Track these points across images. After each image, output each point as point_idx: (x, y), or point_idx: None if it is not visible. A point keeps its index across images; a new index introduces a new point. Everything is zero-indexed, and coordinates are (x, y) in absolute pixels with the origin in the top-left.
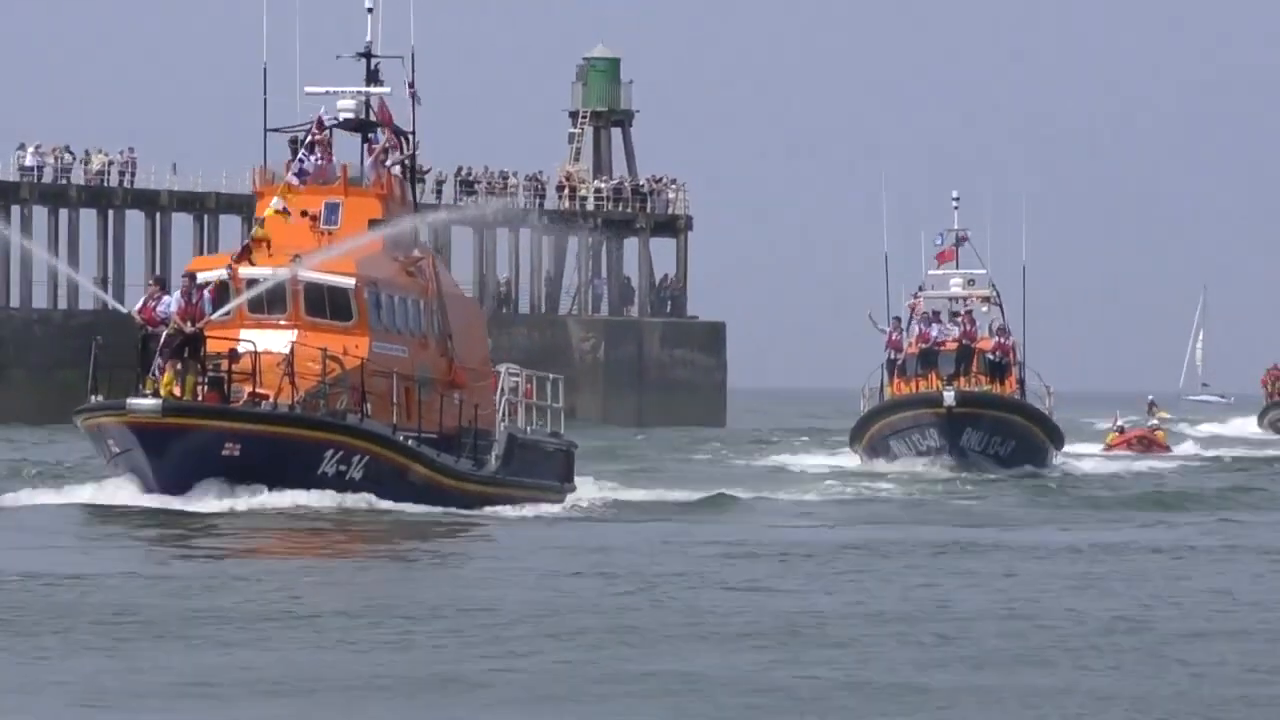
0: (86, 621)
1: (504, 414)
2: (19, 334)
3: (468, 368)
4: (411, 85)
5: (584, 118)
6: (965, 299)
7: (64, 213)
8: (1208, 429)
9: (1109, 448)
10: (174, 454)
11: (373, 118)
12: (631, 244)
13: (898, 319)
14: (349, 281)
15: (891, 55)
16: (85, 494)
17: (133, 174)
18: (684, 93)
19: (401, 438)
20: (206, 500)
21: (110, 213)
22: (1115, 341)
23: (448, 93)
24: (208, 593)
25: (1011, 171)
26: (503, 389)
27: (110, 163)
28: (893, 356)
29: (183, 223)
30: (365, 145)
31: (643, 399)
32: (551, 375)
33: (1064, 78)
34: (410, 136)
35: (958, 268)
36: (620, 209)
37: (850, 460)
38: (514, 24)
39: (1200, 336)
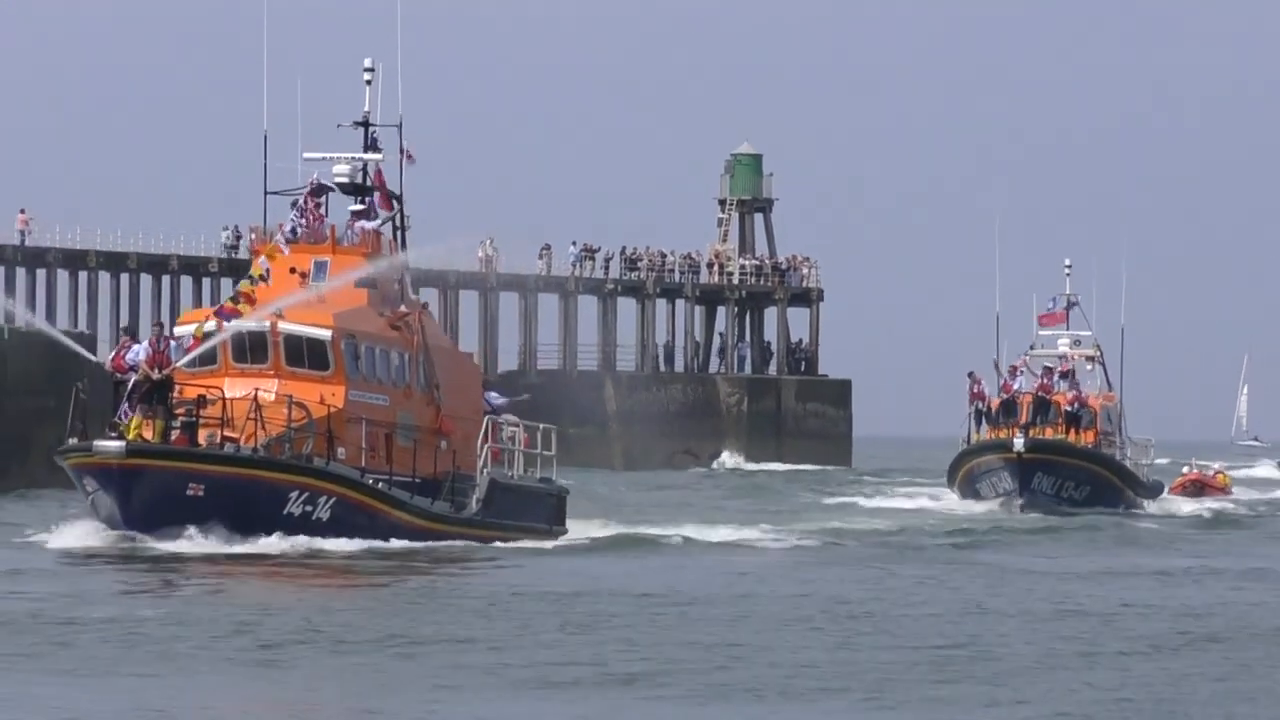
0: None
1: (485, 461)
2: None
3: (456, 417)
4: (403, 150)
5: (731, 205)
6: (1070, 357)
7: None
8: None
9: (1172, 491)
10: (139, 494)
11: (369, 182)
12: (771, 313)
13: (971, 373)
14: (326, 333)
15: (1004, 138)
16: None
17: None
18: (817, 183)
19: (371, 480)
20: (180, 539)
21: None
22: (1174, 394)
23: (617, 183)
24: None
25: (1116, 236)
26: (485, 436)
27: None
28: (980, 407)
29: None
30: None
31: (780, 446)
32: (543, 425)
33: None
34: (399, 200)
35: (1068, 329)
36: (761, 283)
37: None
38: (674, 124)
39: (1245, 391)
